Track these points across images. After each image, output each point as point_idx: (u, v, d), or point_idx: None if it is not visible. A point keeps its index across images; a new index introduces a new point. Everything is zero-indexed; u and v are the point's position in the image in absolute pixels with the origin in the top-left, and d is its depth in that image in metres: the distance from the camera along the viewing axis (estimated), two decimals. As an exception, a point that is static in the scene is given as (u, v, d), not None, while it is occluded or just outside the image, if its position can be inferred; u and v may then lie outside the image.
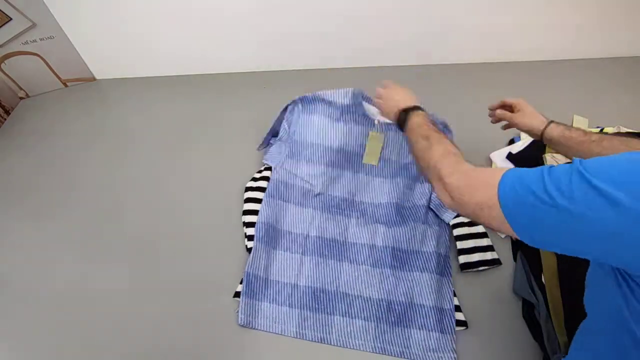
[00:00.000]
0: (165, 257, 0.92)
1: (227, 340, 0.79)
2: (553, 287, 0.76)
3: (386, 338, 0.78)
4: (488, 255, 0.86)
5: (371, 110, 1.01)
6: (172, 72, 1.40)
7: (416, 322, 0.79)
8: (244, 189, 1.01)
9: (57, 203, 1.05)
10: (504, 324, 0.79)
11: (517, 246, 0.88)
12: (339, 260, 0.88)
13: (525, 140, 1.04)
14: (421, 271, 0.85)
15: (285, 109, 1.04)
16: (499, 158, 1.03)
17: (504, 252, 0.88)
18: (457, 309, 0.80)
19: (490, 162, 1.05)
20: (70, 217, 1.02)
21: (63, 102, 1.35)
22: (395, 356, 0.76)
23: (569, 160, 0.94)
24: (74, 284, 0.89)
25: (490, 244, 0.88)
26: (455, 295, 0.82)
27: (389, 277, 0.85)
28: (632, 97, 1.20)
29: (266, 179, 1.01)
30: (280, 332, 0.80)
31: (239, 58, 1.35)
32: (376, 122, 1.01)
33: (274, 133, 1.09)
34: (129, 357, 0.78)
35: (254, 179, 1.02)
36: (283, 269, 0.87)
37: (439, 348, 0.76)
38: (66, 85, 1.40)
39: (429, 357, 0.75)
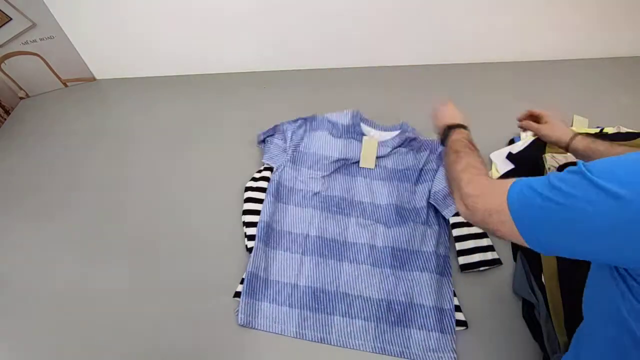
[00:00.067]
0: (165, 257, 0.92)
1: (227, 340, 0.79)
2: (553, 287, 0.76)
3: (386, 338, 0.78)
4: (489, 255, 0.86)
5: (367, 129, 1.10)
6: (172, 72, 1.40)
7: (416, 322, 0.79)
8: (244, 189, 1.01)
9: (57, 203, 1.05)
10: (504, 324, 0.79)
11: (517, 246, 0.88)
12: (339, 260, 0.88)
13: (525, 140, 1.04)
14: (421, 271, 0.85)
15: (296, 120, 1.10)
16: (499, 158, 1.03)
17: (504, 252, 0.88)
18: (457, 309, 0.80)
19: (490, 162, 1.05)
20: (70, 217, 1.02)
21: (63, 102, 1.35)
22: (395, 356, 0.76)
23: (568, 160, 0.94)
24: (74, 284, 0.89)
25: (490, 243, 0.88)
26: (455, 295, 0.82)
27: (389, 277, 0.85)
28: (632, 97, 1.20)
29: (266, 179, 1.01)
30: (280, 332, 0.80)
31: (239, 58, 1.35)
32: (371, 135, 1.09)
33: (274, 131, 1.10)
34: (129, 357, 0.78)
35: (254, 179, 1.02)
36: (283, 269, 0.87)
37: (439, 348, 0.76)
38: (66, 85, 1.40)
39: (429, 357, 0.75)
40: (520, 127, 0.89)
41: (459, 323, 0.78)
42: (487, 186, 0.54)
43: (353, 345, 0.78)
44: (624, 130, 1.02)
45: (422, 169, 1.02)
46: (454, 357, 0.75)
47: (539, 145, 1.01)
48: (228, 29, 1.25)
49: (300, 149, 1.07)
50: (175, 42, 1.29)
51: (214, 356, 0.78)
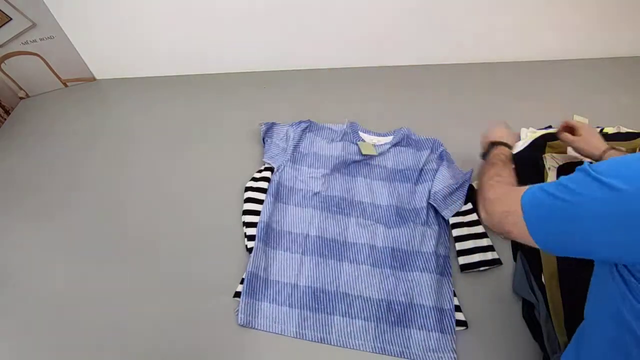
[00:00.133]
0: (165, 257, 0.92)
1: (227, 340, 0.79)
2: (553, 287, 0.76)
3: (386, 338, 0.78)
4: (489, 255, 0.86)
5: (364, 135, 1.12)
6: (172, 72, 1.40)
7: (416, 322, 0.79)
8: (244, 189, 1.01)
9: (57, 203, 1.05)
10: (504, 324, 0.79)
11: (517, 246, 0.88)
12: (339, 260, 0.88)
13: (525, 140, 1.04)
14: (421, 271, 0.85)
15: (297, 123, 1.12)
16: (499, 158, 1.03)
17: (504, 252, 0.88)
18: (457, 309, 0.80)
19: (490, 162, 1.05)
20: (70, 217, 1.02)
21: (63, 102, 1.35)
22: (395, 356, 0.76)
23: (568, 161, 0.94)
24: (73, 284, 0.89)
25: (490, 244, 0.88)
26: (455, 295, 0.82)
27: (389, 277, 0.85)
28: (632, 97, 1.20)
29: (266, 179, 1.01)
30: (280, 332, 0.80)
31: (239, 58, 1.35)
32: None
33: (274, 125, 1.13)
34: (129, 357, 0.78)
35: (254, 179, 1.02)
36: (283, 269, 0.87)
37: (439, 348, 0.76)
38: (66, 85, 1.40)
39: (429, 357, 0.75)
40: (558, 137, 0.91)
41: (459, 323, 0.78)
42: (505, 191, 0.58)
43: (353, 345, 0.78)
44: (624, 130, 1.02)
45: (422, 169, 1.02)
46: (454, 357, 0.75)
47: (539, 145, 1.01)
48: (228, 29, 1.25)
49: (300, 149, 1.07)
50: (175, 42, 1.29)
51: (213, 356, 0.78)
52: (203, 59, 1.35)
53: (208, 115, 1.25)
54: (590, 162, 0.46)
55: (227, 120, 1.23)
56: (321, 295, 0.84)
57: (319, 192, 0.99)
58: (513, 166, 0.72)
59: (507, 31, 1.25)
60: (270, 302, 0.83)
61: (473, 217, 0.92)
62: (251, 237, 0.91)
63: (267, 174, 1.03)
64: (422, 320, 0.79)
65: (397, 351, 0.77)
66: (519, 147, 1.03)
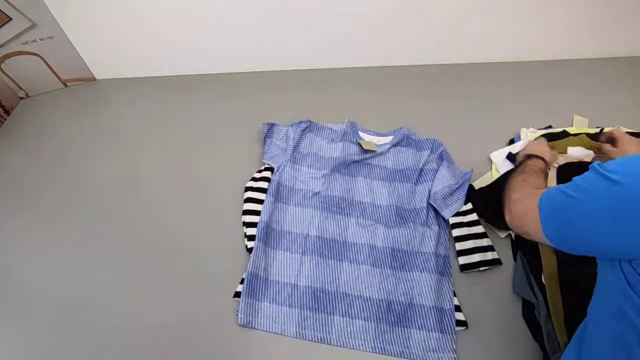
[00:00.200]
0: (165, 257, 0.92)
1: (227, 340, 0.79)
2: (553, 287, 0.76)
3: (386, 338, 0.78)
4: (489, 255, 0.86)
5: (363, 135, 1.12)
6: (172, 72, 1.40)
7: (416, 322, 0.79)
8: (243, 189, 1.01)
9: (57, 203, 1.05)
10: (504, 324, 0.79)
11: (517, 246, 0.88)
12: (339, 260, 0.88)
13: (525, 140, 1.05)
14: (421, 271, 0.85)
15: (297, 123, 1.11)
16: (499, 158, 1.04)
17: (504, 252, 0.88)
18: (457, 309, 0.80)
19: (490, 162, 1.05)
20: (69, 217, 1.02)
21: (63, 102, 1.35)
22: (395, 356, 0.76)
23: (568, 161, 0.95)
24: (73, 284, 0.89)
25: (490, 244, 0.88)
26: (455, 295, 0.82)
27: (389, 277, 0.85)
28: (632, 97, 1.20)
29: (266, 179, 1.01)
30: (280, 332, 0.80)
31: (239, 58, 1.35)
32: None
33: (274, 125, 1.13)
34: (129, 357, 0.78)
35: (254, 179, 1.02)
36: (283, 269, 0.87)
37: (439, 348, 0.76)
38: (66, 85, 1.40)
39: (429, 357, 0.75)
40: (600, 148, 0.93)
41: (459, 323, 0.78)
42: (528, 192, 0.59)
43: (353, 345, 0.78)
44: (623, 130, 1.02)
45: (422, 169, 1.02)
46: (454, 357, 0.75)
47: (539, 145, 1.01)
48: (228, 29, 1.25)
49: (300, 150, 1.07)
50: (175, 42, 1.29)
51: (213, 356, 0.78)
52: (203, 59, 1.35)
53: (208, 115, 1.25)
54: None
55: (227, 120, 1.22)
56: (321, 295, 0.84)
57: (319, 192, 0.99)
58: (545, 178, 0.74)
59: (507, 31, 1.25)
60: (270, 302, 0.83)
61: (473, 217, 0.92)
62: (251, 237, 0.91)
63: (267, 174, 1.03)
64: (422, 320, 0.79)
65: (397, 351, 0.77)
66: (518, 147, 1.03)
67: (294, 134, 1.09)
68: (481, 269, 0.85)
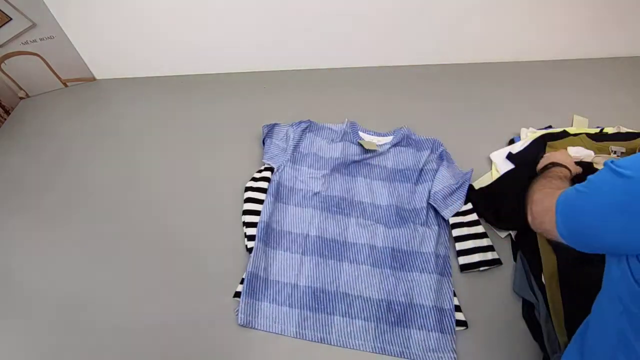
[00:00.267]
0: (165, 257, 0.92)
1: (227, 340, 0.79)
2: (553, 287, 0.76)
3: (386, 338, 0.78)
4: (489, 255, 0.86)
5: (363, 135, 1.12)
6: (172, 72, 1.40)
7: (416, 322, 0.79)
8: (243, 189, 1.01)
9: (57, 203, 1.05)
10: (504, 324, 0.79)
11: (517, 246, 0.88)
12: (339, 260, 0.88)
13: (525, 140, 1.05)
14: (421, 271, 0.85)
15: (297, 123, 1.11)
16: (499, 158, 1.04)
17: (504, 252, 0.88)
18: (457, 309, 0.80)
19: (490, 162, 1.05)
20: (69, 217, 1.02)
21: (63, 102, 1.35)
22: (395, 356, 0.76)
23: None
24: (74, 284, 0.89)
25: (490, 244, 0.88)
26: (455, 295, 0.82)
27: (388, 277, 0.85)
28: (632, 97, 1.20)
29: (266, 179, 1.01)
30: (280, 332, 0.80)
31: (239, 58, 1.35)
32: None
33: (275, 127, 1.13)
34: (129, 357, 0.78)
35: (254, 179, 1.02)
36: (283, 269, 0.87)
37: (438, 348, 0.76)
38: (66, 85, 1.40)
39: (428, 357, 0.75)
40: None
41: (459, 323, 0.78)
42: (549, 192, 0.60)
43: (353, 345, 0.78)
44: (624, 130, 1.03)
45: (422, 169, 1.02)
46: (454, 357, 0.75)
47: (539, 145, 1.01)
48: (228, 29, 1.25)
49: (300, 150, 1.07)
50: (175, 42, 1.29)
51: (213, 356, 0.78)
52: (203, 59, 1.35)
53: (208, 115, 1.25)
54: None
55: (227, 120, 1.22)
56: (321, 295, 0.84)
57: (319, 192, 0.99)
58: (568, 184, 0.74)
59: (507, 31, 1.25)
60: (270, 302, 0.83)
61: (473, 217, 0.92)
62: (251, 237, 0.91)
63: (267, 174, 1.03)
64: (422, 320, 0.79)
65: (397, 351, 0.77)
66: (518, 147, 1.03)
67: (294, 134, 1.09)
68: (481, 269, 0.85)
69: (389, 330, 0.79)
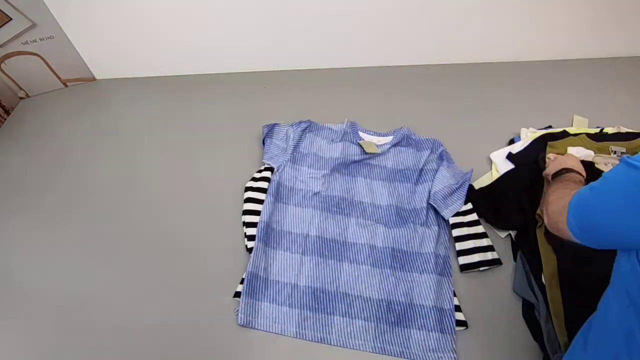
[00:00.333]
0: (165, 257, 0.92)
1: (227, 340, 0.79)
2: (553, 287, 0.76)
3: (386, 338, 0.78)
4: (489, 255, 0.86)
5: (363, 135, 1.12)
6: (172, 72, 1.40)
7: (416, 322, 0.79)
8: (243, 189, 1.01)
9: (57, 203, 1.05)
10: (504, 324, 0.79)
11: (517, 246, 0.88)
12: (339, 260, 0.88)
13: (525, 140, 1.05)
14: (421, 272, 0.85)
15: (297, 123, 1.11)
16: (499, 158, 1.04)
17: (504, 252, 0.88)
18: (457, 309, 0.80)
19: (490, 162, 1.05)
20: (69, 217, 1.02)
21: (63, 102, 1.35)
22: (395, 356, 0.76)
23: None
24: (74, 284, 0.89)
25: (490, 244, 0.88)
26: (455, 295, 0.82)
27: (388, 277, 0.85)
28: (632, 97, 1.20)
29: (266, 179, 1.01)
30: (280, 332, 0.80)
31: (239, 58, 1.35)
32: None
33: (275, 127, 1.13)
34: (129, 357, 0.78)
35: (254, 179, 1.02)
36: (283, 269, 0.87)
37: (439, 348, 0.76)
38: (66, 85, 1.40)
39: (429, 357, 0.75)
40: None
41: (459, 323, 0.78)
42: (564, 193, 0.60)
43: (353, 345, 0.78)
44: (624, 130, 1.03)
45: (422, 169, 1.02)
46: (454, 357, 0.75)
47: (539, 145, 1.01)
48: (228, 29, 1.25)
49: (300, 150, 1.07)
50: (175, 42, 1.29)
51: (213, 356, 0.78)
52: (203, 59, 1.35)
53: (208, 115, 1.25)
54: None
55: (227, 120, 1.22)
56: (321, 295, 0.84)
57: (319, 192, 0.99)
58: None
59: (507, 31, 1.25)
60: (270, 302, 0.83)
61: (473, 217, 0.92)
62: (251, 237, 0.91)
63: (267, 174, 1.03)
64: (422, 321, 0.79)
65: (397, 351, 0.77)
66: (518, 147, 1.04)
67: (294, 134, 1.09)
68: (481, 269, 0.85)
69: (389, 330, 0.79)
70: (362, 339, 0.78)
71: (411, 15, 1.20)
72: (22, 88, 1.35)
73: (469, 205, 0.93)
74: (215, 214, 0.99)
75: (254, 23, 1.23)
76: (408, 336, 0.78)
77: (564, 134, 1.03)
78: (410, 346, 0.77)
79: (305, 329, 0.80)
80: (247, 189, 1.00)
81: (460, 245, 0.88)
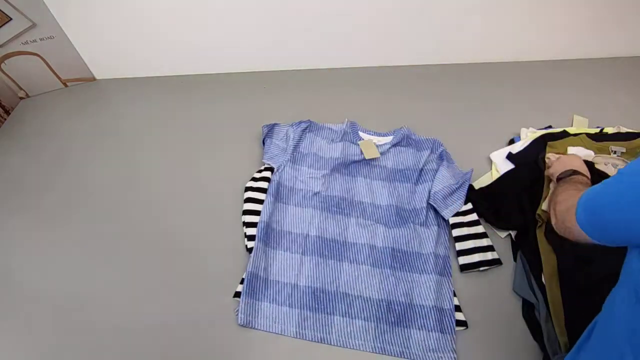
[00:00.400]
0: (165, 257, 0.92)
1: (227, 340, 0.79)
2: (553, 287, 0.76)
3: (386, 338, 0.78)
4: (489, 255, 0.86)
5: (363, 135, 1.12)
6: (172, 72, 1.40)
7: (416, 322, 0.79)
8: (243, 189, 1.01)
9: (57, 203, 1.05)
10: (504, 324, 0.79)
11: (517, 246, 0.88)
12: (339, 260, 0.88)
13: (525, 140, 1.05)
14: (421, 272, 0.85)
15: (297, 123, 1.11)
16: (499, 158, 1.04)
17: (504, 252, 0.88)
18: (457, 309, 0.80)
19: (490, 162, 1.05)
20: (69, 217, 1.02)
21: (63, 102, 1.35)
22: (395, 356, 0.76)
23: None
24: (74, 284, 0.89)
25: (490, 244, 0.88)
26: (455, 295, 0.82)
27: (388, 277, 0.85)
28: (632, 97, 1.20)
29: (266, 179, 1.01)
30: (280, 332, 0.80)
31: (239, 58, 1.35)
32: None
33: (275, 127, 1.13)
34: (129, 357, 0.78)
35: (254, 179, 1.02)
36: (283, 269, 0.87)
37: (438, 348, 0.76)
38: (66, 85, 1.40)
39: (429, 357, 0.75)
40: None
41: (459, 323, 0.78)
42: (572, 193, 0.60)
43: (353, 345, 0.78)
44: (624, 130, 1.03)
45: (422, 169, 1.02)
46: (454, 357, 0.75)
47: (539, 145, 1.01)
48: (228, 29, 1.25)
49: (300, 150, 1.07)
50: (175, 42, 1.29)
51: (213, 356, 0.78)
52: (203, 59, 1.35)
53: (208, 115, 1.25)
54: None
55: (227, 120, 1.22)
56: (321, 295, 0.84)
57: (319, 192, 0.99)
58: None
59: (507, 31, 1.25)
60: (270, 302, 0.83)
61: (473, 217, 0.92)
62: (251, 237, 0.91)
63: (267, 174, 1.03)
64: (422, 321, 0.79)
65: (397, 351, 0.77)
66: (518, 147, 1.04)
67: (294, 134, 1.09)
68: (481, 269, 0.85)
69: (389, 330, 0.79)
70: (362, 339, 0.78)
71: (411, 15, 1.20)
72: (22, 88, 1.35)
73: (469, 205, 0.93)
74: (215, 214, 0.99)
75: (254, 23, 1.23)
76: (408, 336, 0.78)
77: (564, 134, 1.03)
78: (410, 346, 0.77)
79: (305, 329, 0.80)
80: (247, 189, 1.00)
81: (460, 245, 0.88)
